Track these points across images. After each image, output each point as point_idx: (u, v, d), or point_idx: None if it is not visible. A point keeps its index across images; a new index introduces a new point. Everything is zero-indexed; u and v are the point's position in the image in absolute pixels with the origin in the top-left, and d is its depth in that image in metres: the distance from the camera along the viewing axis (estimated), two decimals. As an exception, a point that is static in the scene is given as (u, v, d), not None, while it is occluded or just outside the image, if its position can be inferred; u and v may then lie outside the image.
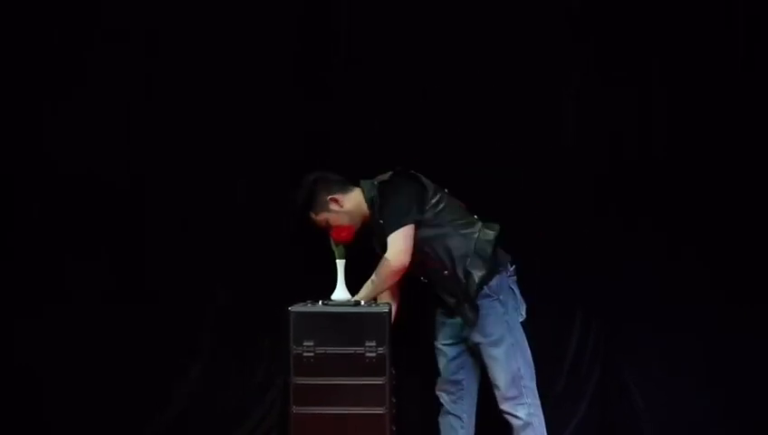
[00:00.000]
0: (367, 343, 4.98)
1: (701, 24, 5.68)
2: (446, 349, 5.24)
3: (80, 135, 5.73)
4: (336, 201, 5.11)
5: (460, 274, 4.96)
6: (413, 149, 5.54)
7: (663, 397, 5.67)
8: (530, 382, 5.06)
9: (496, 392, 5.04)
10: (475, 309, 4.96)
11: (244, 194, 5.72)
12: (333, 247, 5.22)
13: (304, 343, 5.02)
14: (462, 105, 5.69)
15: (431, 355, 5.31)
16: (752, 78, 5.66)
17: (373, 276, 4.99)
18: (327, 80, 5.74)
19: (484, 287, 4.97)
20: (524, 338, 5.09)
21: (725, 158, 5.69)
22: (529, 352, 5.09)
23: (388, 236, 4.94)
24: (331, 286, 5.18)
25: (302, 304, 5.15)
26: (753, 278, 5.66)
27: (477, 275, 4.93)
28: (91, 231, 5.74)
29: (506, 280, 5.08)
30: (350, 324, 5.02)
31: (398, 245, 4.92)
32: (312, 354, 5.02)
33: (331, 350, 5.00)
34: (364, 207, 5.10)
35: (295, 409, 5.05)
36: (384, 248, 5.00)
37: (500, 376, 5.01)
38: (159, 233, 5.74)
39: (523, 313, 5.11)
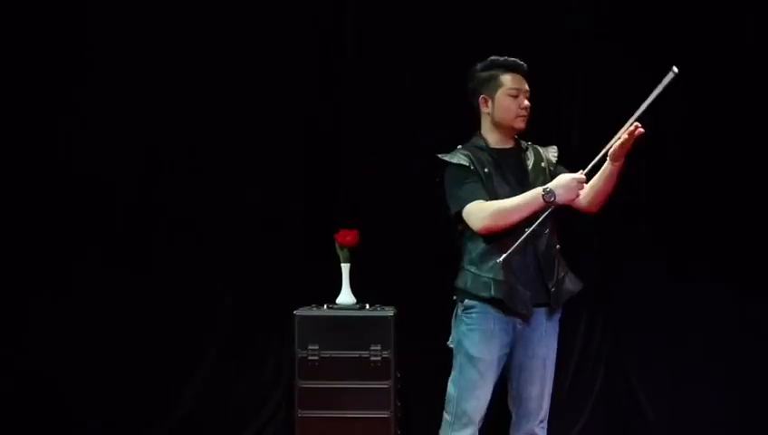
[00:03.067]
0: (372, 347, 5.01)
1: (706, 23, 5.67)
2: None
3: (90, 136, 5.71)
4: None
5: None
6: (421, 148, 5.51)
7: (667, 396, 5.66)
8: None
9: (540, 411, 4.32)
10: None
11: (253, 196, 5.69)
12: (338, 251, 5.23)
13: (309, 347, 5.05)
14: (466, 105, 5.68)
15: (436, 358, 5.30)
16: (759, 77, 5.65)
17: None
18: (336, 83, 5.72)
19: None
20: None
21: (728, 157, 5.67)
22: None
23: None
24: (337, 290, 5.21)
25: (307, 307, 5.17)
26: (756, 278, 5.65)
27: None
28: (98, 232, 5.73)
29: None
30: (355, 328, 5.05)
31: None
32: (316, 358, 5.03)
33: (335, 353, 5.02)
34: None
35: (300, 412, 5.08)
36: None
37: (546, 396, 4.35)
38: (167, 234, 5.72)
39: None
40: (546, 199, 4.03)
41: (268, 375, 5.68)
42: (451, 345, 4.25)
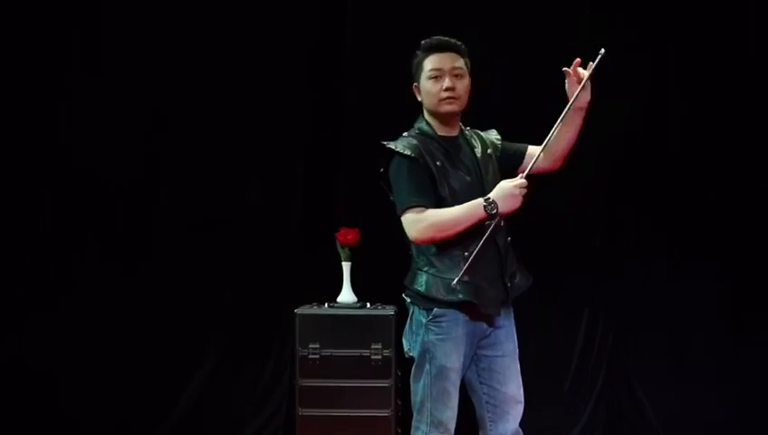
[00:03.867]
0: (372, 346, 5.01)
1: (710, 18, 5.66)
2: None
3: (93, 133, 5.72)
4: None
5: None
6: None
7: (668, 396, 5.66)
8: None
9: (518, 407, 4.06)
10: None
11: (254, 195, 5.70)
12: (339, 250, 5.23)
13: (310, 346, 5.05)
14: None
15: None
16: (761, 74, 5.64)
17: None
18: (337, 81, 5.72)
19: None
20: None
21: (729, 156, 5.66)
22: None
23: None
24: (337, 289, 5.20)
25: (307, 306, 5.16)
26: (756, 277, 5.64)
27: None
28: (97, 232, 5.74)
29: None
30: (355, 327, 5.05)
31: None
32: (317, 357, 5.04)
33: (336, 352, 5.02)
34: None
35: (301, 411, 5.08)
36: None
37: (522, 393, 4.08)
38: (169, 232, 5.73)
39: None
40: (488, 211, 3.77)
41: (269, 374, 5.67)
42: (411, 354, 3.98)
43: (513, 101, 5.46)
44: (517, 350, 4.04)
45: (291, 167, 5.69)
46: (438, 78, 3.94)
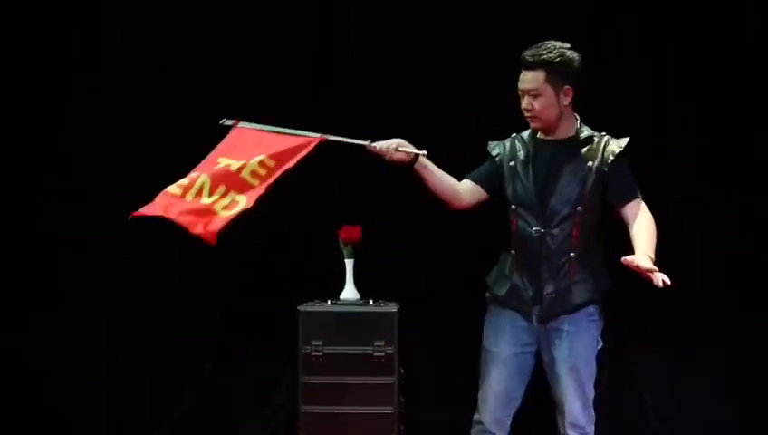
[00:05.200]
0: (375, 343, 5.00)
1: (711, 18, 5.68)
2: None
3: (93, 133, 5.74)
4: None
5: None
6: (423, 145, 5.54)
7: (669, 396, 5.68)
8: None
9: (560, 414, 4.38)
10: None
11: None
12: (342, 247, 5.23)
13: (313, 343, 5.04)
14: (472, 102, 5.64)
15: (440, 354, 5.30)
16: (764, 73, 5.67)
17: (650, 231, 4.27)
18: (338, 76, 5.75)
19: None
20: None
21: (730, 155, 5.68)
22: None
23: (633, 199, 4.28)
24: (340, 286, 5.19)
25: (310, 303, 5.16)
26: (758, 277, 5.66)
27: None
28: (100, 230, 5.74)
29: None
30: (358, 324, 5.04)
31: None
32: (320, 354, 5.03)
33: (339, 349, 5.01)
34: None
35: (304, 408, 5.07)
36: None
37: (568, 400, 4.35)
38: (169, 231, 5.70)
39: None
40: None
41: (271, 371, 5.69)
42: None
43: (513, 100, 5.47)
44: (576, 361, 4.31)
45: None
46: (522, 97, 4.19)
